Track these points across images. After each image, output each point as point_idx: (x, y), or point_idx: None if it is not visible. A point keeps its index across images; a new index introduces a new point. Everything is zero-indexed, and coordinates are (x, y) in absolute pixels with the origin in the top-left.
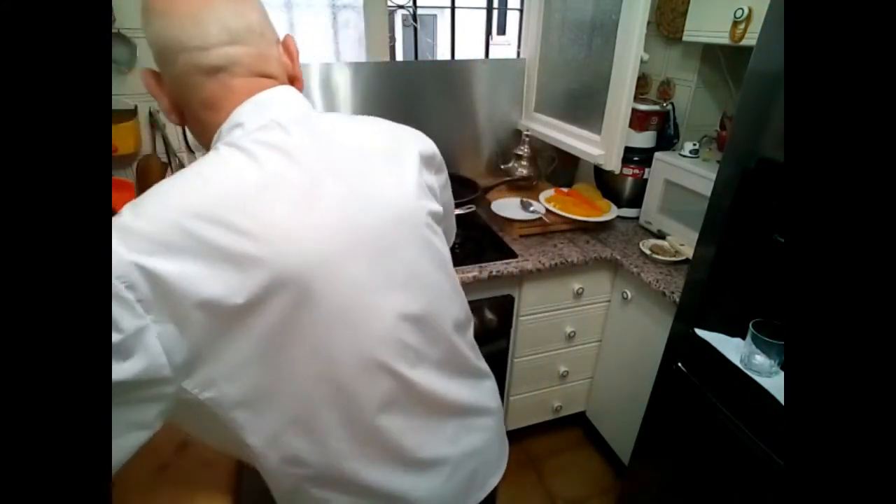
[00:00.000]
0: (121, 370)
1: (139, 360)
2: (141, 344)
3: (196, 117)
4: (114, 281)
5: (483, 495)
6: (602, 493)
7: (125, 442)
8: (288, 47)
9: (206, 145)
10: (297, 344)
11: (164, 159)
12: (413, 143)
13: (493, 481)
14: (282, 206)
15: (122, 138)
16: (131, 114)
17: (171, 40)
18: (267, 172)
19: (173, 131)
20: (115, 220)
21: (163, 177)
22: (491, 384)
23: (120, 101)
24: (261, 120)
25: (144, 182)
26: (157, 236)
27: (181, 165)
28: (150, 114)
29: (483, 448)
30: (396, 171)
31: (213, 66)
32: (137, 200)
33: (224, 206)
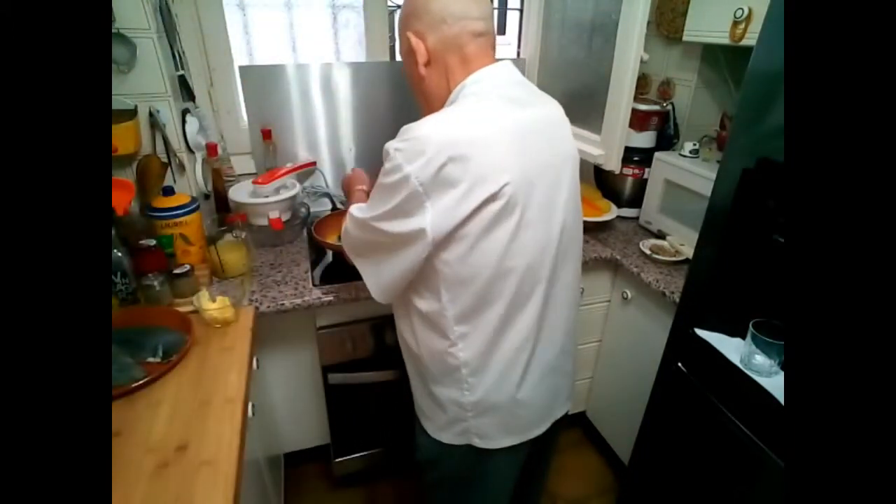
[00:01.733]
0: (406, 224)
1: (417, 221)
2: (421, 212)
3: (448, 69)
4: (412, 178)
5: (559, 414)
6: (602, 493)
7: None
8: None
9: (441, 96)
10: (498, 237)
11: (164, 159)
12: (565, 119)
13: (563, 410)
14: (505, 147)
15: (122, 138)
16: (131, 114)
17: (457, 10)
18: (503, 120)
19: (173, 131)
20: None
21: (163, 177)
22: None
23: (120, 101)
24: (496, 81)
25: (144, 182)
26: (444, 150)
27: (181, 165)
28: (150, 114)
29: (571, 372)
30: (562, 134)
31: (479, 31)
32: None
33: (475, 141)
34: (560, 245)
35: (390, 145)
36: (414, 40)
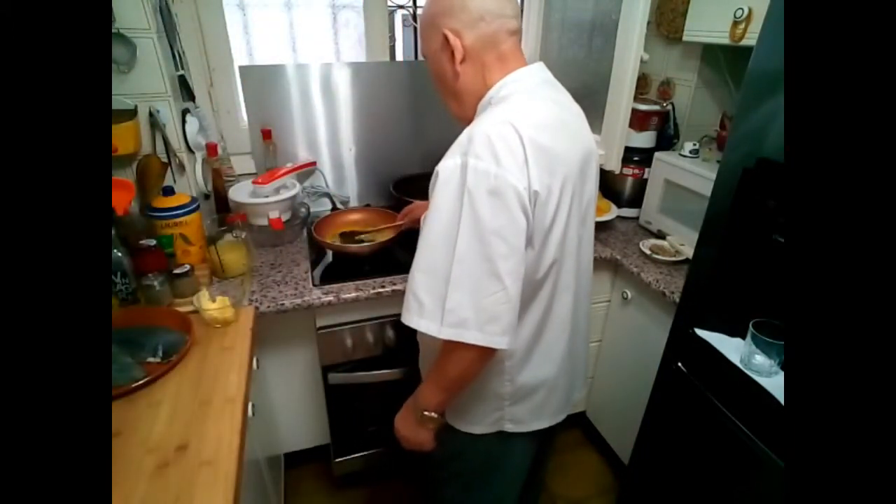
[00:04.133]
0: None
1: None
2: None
3: (484, 67)
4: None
5: (578, 398)
6: (602, 493)
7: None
8: None
9: (476, 92)
10: (558, 229)
11: (164, 159)
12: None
13: (581, 393)
14: (563, 139)
15: (122, 138)
16: (131, 114)
17: (495, 9)
18: (554, 114)
19: (173, 131)
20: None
21: (163, 177)
22: None
23: (120, 101)
24: (535, 80)
25: (144, 182)
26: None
27: (181, 165)
28: (150, 114)
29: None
30: (586, 129)
31: (514, 29)
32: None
33: (544, 128)
34: (587, 233)
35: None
36: (452, 37)
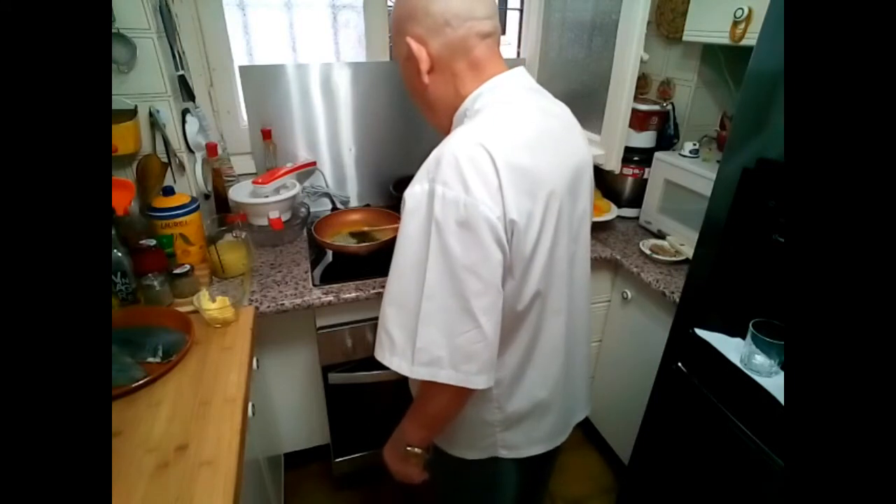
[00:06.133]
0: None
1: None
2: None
3: (456, 76)
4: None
5: (580, 419)
6: (602, 493)
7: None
8: None
9: (449, 104)
10: (543, 249)
11: (164, 159)
12: (577, 122)
13: (583, 415)
14: (548, 154)
15: (122, 138)
16: (131, 114)
17: (463, 10)
18: (538, 126)
19: (173, 131)
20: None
21: (163, 177)
22: None
23: (120, 101)
24: (515, 88)
25: (144, 182)
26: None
27: (181, 165)
28: (150, 114)
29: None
30: (578, 140)
31: (487, 31)
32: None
33: (523, 146)
34: (581, 249)
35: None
36: (415, 46)
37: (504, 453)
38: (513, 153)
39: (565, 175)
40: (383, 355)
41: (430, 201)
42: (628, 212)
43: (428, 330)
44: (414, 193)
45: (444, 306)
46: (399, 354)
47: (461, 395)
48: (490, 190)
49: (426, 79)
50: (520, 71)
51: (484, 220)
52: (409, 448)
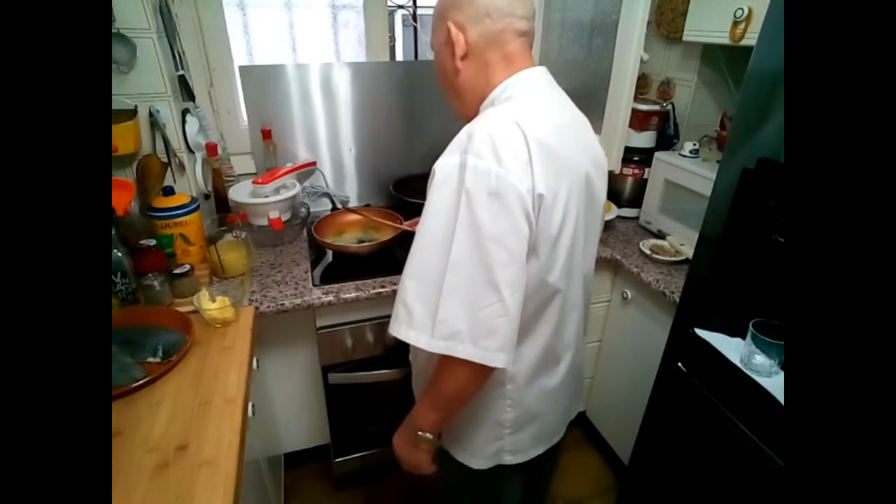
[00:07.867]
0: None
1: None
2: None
3: (488, 65)
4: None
5: (574, 415)
6: (602, 493)
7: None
8: None
9: (477, 92)
10: (565, 239)
11: (164, 159)
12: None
13: (577, 410)
14: (571, 144)
15: (122, 138)
16: (131, 114)
17: (504, 6)
18: (562, 118)
19: (173, 131)
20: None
21: (163, 177)
22: None
23: (120, 101)
24: (539, 83)
25: (144, 182)
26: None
27: (181, 165)
28: (150, 114)
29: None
30: (594, 139)
31: (523, 30)
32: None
33: (551, 130)
34: (590, 246)
35: None
36: (454, 31)
37: (509, 459)
38: (542, 133)
39: (583, 170)
40: (399, 329)
41: (462, 173)
42: (628, 212)
43: (450, 302)
44: (444, 165)
45: (469, 278)
46: (417, 327)
47: (478, 374)
48: (520, 163)
49: (459, 64)
50: (544, 69)
51: (514, 191)
52: (420, 433)
